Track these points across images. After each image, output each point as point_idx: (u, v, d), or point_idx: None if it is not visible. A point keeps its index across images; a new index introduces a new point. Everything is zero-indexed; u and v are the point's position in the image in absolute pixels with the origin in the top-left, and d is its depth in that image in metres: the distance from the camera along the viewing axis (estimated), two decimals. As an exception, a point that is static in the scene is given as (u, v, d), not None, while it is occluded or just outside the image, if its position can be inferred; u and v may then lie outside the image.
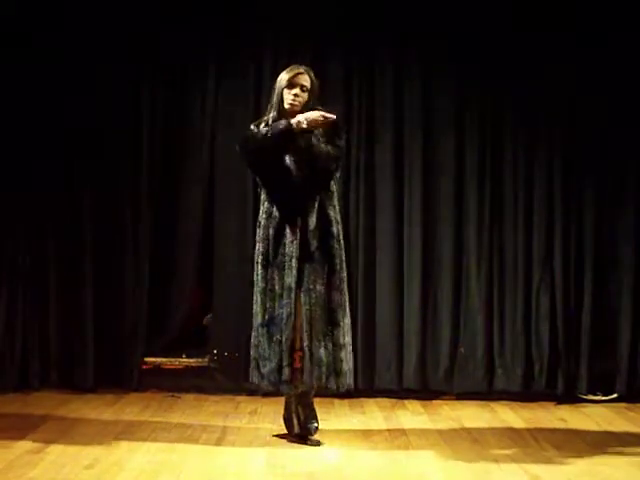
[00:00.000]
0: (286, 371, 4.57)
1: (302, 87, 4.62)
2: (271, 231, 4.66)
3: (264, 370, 4.64)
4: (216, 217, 6.07)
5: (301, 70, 4.65)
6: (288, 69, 4.69)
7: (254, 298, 4.73)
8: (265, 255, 4.68)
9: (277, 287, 4.64)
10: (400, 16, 5.91)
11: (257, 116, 5.08)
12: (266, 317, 4.65)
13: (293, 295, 4.57)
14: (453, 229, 5.95)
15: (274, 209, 4.68)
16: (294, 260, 4.59)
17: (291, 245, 4.61)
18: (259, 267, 4.70)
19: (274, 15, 5.92)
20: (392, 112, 5.95)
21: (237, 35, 5.95)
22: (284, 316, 4.58)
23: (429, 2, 5.92)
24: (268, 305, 4.65)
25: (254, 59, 5.94)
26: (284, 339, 4.57)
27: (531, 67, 5.88)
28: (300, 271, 4.60)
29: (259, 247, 4.72)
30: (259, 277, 4.71)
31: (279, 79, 4.68)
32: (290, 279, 4.59)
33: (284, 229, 4.64)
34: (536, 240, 5.93)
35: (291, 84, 4.62)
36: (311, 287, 4.59)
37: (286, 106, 4.63)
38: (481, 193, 5.95)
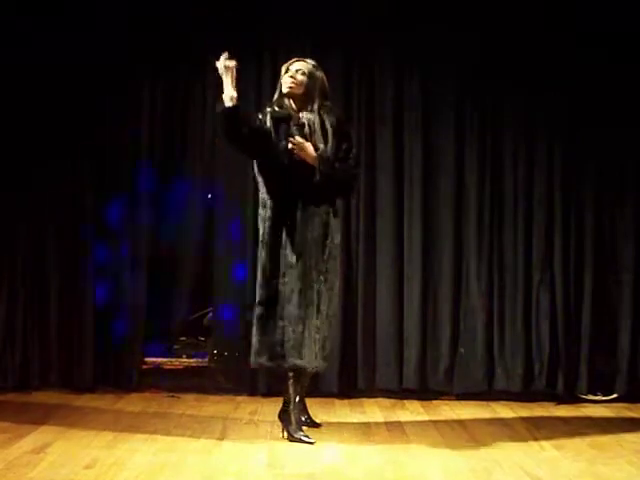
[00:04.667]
0: None
1: (297, 70, 4.80)
2: None
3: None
4: (216, 217, 6.07)
5: (298, 59, 4.84)
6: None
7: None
8: None
9: None
10: (400, 16, 5.91)
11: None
12: None
13: None
14: (453, 229, 5.95)
15: None
16: None
17: None
18: None
19: (274, 15, 5.92)
20: (392, 112, 5.95)
21: (237, 35, 5.95)
22: None
23: (429, 2, 5.92)
24: None
25: (254, 59, 5.94)
26: None
27: (531, 67, 5.88)
28: None
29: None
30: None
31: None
32: None
33: None
34: (536, 240, 5.92)
35: (287, 70, 4.82)
36: None
37: (284, 90, 4.80)
38: (481, 193, 5.95)
